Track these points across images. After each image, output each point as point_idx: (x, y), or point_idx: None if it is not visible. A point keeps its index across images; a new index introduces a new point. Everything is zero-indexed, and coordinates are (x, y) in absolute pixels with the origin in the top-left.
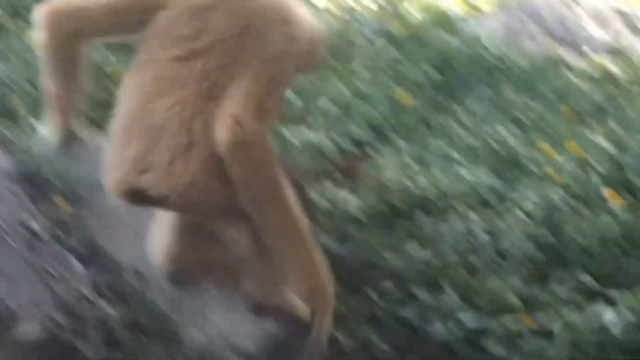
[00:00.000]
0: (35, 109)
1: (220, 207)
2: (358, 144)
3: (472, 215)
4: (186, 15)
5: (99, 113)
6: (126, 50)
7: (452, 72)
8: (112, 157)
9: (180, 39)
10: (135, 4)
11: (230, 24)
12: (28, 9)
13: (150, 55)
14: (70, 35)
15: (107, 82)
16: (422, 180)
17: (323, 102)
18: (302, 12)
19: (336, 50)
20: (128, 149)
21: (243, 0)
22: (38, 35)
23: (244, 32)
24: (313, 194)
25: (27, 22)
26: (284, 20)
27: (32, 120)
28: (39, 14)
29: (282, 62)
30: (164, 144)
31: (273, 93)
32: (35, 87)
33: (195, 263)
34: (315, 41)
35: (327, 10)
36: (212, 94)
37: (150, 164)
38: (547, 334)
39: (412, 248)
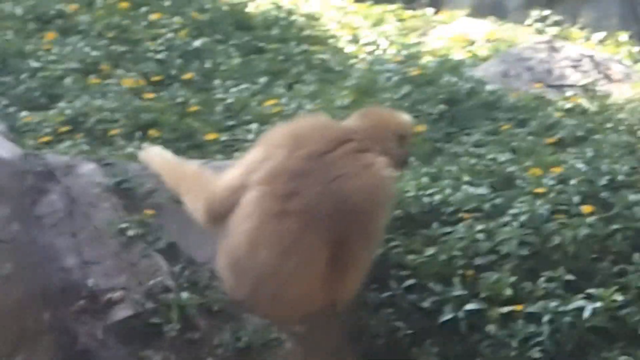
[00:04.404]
0: (130, 138)
1: None
2: None
3: (477, 224)
4: (286, 175)
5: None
6: (203, 91)
7: (460, 108)
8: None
9: (278, 196)
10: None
11: (322, 198)
12: (124, 59)
13: (259, 198)
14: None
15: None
16: (437, 197)
17: None
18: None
19: (364, 90)
20: (242, 285)
21: (337, 179)
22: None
23: (338, 213)
24: None
25: (124, 69)
26: (378, 200)
27: (128, 146)
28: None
29: (376, 234)
30: (266, 292)
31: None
32: (129, 120)
33: None
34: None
35: (360, 58)
36: (292, 250)
37: (261, 301)
38: (536, 320)
39: (429, 251)
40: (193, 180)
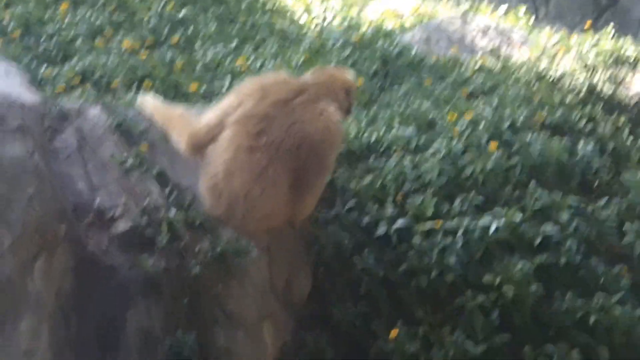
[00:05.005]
0: (129, 88)
1: None
2: None
3: (405, 158)
4: (256, 118)
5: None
6: (186, 52)
7: (391, 66)
8: (211, 201)
9: (249, 134)
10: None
11: (285, 136)
12: (123, 26)
13: (234, 136)
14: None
15: (174, 73)
16: (374, 136)
17: None
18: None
19: (314, 51)
20: (219, 204)
21: (296, 122)
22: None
23: (297, 149)
24: None
25: (123, 34)
26: (329, 139)
27: (127, 95)
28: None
29: (328, 165)
30: (239, 210)
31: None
32: (127, 74)
33: None
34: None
35: (312, 27)
36: (260, 177)
37: (234, 218)
38: (452, 234)
39: (367, 179)
40: (179, 120)
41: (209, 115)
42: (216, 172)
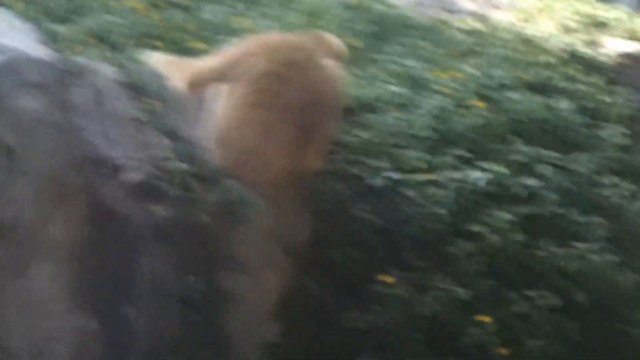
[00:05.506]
0: (141, 47)
1: None
2: None
3: (397, 113)
4: (267, 76)
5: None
6: (196, 13)
7: (387, 29)
8: (220, 155)
9: (260, 93)
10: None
11: (294, 95)
12: None
13: (245, 94)
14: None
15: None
16: (371, 95)
17: None
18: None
19: (314, 14)
20: (228, 158)
21: (305, 81)
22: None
23: (306, 106)
24: None
25: None
26: (335, 96)
27: (136, 52)
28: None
29: (332, 121)
30: (247, 164)
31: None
32: (140, 34)
33: None
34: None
35: None
36: (269, 134)
37: (242, 170)
38: (444, 187)
39: (365, 135)
40: (184, 64)
41: (212, 59)
42: (228, 128)
